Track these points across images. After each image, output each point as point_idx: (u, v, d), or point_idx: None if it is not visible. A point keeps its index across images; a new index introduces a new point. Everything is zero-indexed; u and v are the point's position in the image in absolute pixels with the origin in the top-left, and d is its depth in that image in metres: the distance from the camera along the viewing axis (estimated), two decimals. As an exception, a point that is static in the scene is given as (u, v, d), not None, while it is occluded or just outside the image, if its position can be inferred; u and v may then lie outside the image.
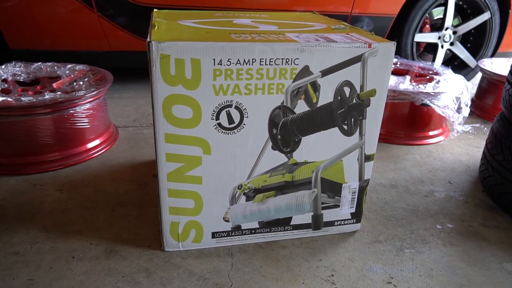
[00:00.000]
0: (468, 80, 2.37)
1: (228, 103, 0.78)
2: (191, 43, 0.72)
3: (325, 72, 0.80)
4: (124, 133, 1.56)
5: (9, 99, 1.18)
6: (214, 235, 0.93)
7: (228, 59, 0.74)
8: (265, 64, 0.76)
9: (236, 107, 0.79)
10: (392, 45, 0.81)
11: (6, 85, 1.37)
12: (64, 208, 1.07)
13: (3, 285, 0.81)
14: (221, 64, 0.74)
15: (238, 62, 0.75)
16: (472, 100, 2.01)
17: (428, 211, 1.13)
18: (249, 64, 0.75)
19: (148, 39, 0.72)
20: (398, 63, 1.88)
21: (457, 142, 1.63)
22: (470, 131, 1.73)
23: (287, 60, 0.77)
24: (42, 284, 0.81)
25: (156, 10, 1.08)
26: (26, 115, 1.19)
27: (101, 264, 0.88)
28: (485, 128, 1.78)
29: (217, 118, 0.79)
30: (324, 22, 1.05)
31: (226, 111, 0.79)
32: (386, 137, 1.58)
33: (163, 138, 0.79)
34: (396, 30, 2.21)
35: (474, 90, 2.09)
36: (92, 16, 1.80)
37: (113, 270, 0.86)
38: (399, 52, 2.23)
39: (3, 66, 1.43)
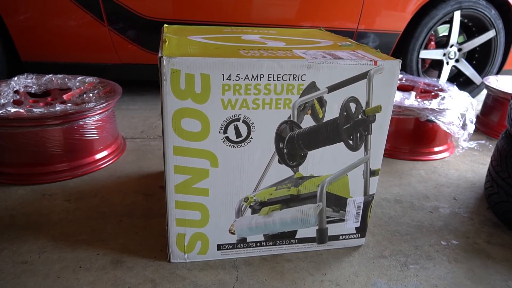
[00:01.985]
0: (473, 97, 2.38)
1: (236, 117, 0.80)
2: (201, 58, 0.74)
3: (331, 88, 0.82)
4: (131, 145, 1.58)
5: (21, 110, 1.21)
6: (219, 247, 0.94)
7: (237, 74, 0.76)
8: (273, 80, 0.78)
9: (244, 121, 0.80)
10: (397, 63, 0.83)
11: (18, 97, 1.40)
12: (72, 218, 1.08)
13: (11, 294, 0.82)
14: (230, 79, 0.76)
15: (247, 77, 0.77)
16: (477, 117, 2.01)
17: (433, 227, 1.14)
18: (257, 80, 0.77)
19: (160, 54, 0.74)
20: (404, 79, 1.90)
21: (462, 158, 1.63)
22: (475, 148, 1.74)
23: (295, 76, 0.78)
24: (49, 293, 0.82)
25: (166, 25, 1.11)
26: (37, 126, 1.21)
27: (108, 274, 0.88)
28: (490, 145, 1.78)
29: (225, 132, 0.81)
30: (331, 38, 1.07)
31: (234, 125, 0.80)
32: (391, 153, 1.58)
33: (172, 151, 0.80)
34: (402, 47, 2.23)
35: (479, 107, 2.10)
36: (103, 29, 1.84)
37: (119, 281, 0.87)
38: (404, 68, 2.26)
39: (15, 78, 1.46)
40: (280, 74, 0.78)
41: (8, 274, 0.87)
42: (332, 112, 0.84)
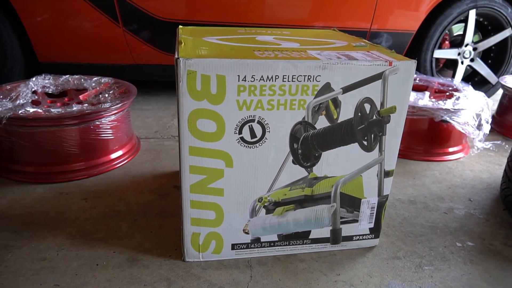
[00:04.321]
0: (489, 96, 2.34)
1: (251, 118, 0.80)
2: (217, 60, 0.74)
3: (346, 89, 0.82)
4: (145, 144, 1.60)
5: (39, 110, 1.23)
6: (233, 246, 0.94)
7: (252, 75, 0.76)
8: (288, 81, 0.78)
9: (259, 122, 0.81)
10: (412, 63, 0.83)
11: (36, 97, 1.43)
12: (89, 216, 1.10)
13: (31, 290, 0.84)
14: (245, 80, 0.77)
15: (262, 78, 0.77)
16: (493, 117, 1.99)
17: (448, 228, 1.13)
18: (272, 81, 0.78)
19: (176, 56, 0.75)
20: (418, 79, 1.88)
21: (478, 159, 1.61)
22: (491, 148, 1.72)
23: (309, 77, 0.79)
24: (67, 290, 0.84)
25: (181, 26, 1.12)
26: (54, 126, 1.23)
27: (124, 272, 0.90)
28: (506, 145, 1.76)
29: (240, 132, 0.81)
30: (345, 39, 1.07)
31: (249, 125, 0.81)
32: (405, 153, 1.57)
33: (188, 151, 0.81)
34: (416, 46, 2.21)
35: (495, 107, 2.07)
36: (118, 30, 1.86)
37: (135, 279, 0.88)
38: (418, 68, 2.24)
39: (33, 79, 1.49)
40: (295, 75, 0.78)
41: (28, 271, 0.89)
42: (346, 112, 0.84)
